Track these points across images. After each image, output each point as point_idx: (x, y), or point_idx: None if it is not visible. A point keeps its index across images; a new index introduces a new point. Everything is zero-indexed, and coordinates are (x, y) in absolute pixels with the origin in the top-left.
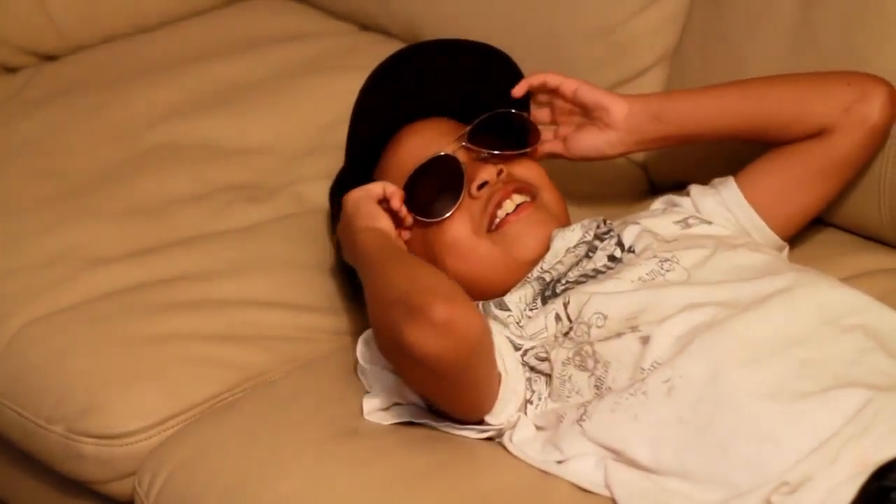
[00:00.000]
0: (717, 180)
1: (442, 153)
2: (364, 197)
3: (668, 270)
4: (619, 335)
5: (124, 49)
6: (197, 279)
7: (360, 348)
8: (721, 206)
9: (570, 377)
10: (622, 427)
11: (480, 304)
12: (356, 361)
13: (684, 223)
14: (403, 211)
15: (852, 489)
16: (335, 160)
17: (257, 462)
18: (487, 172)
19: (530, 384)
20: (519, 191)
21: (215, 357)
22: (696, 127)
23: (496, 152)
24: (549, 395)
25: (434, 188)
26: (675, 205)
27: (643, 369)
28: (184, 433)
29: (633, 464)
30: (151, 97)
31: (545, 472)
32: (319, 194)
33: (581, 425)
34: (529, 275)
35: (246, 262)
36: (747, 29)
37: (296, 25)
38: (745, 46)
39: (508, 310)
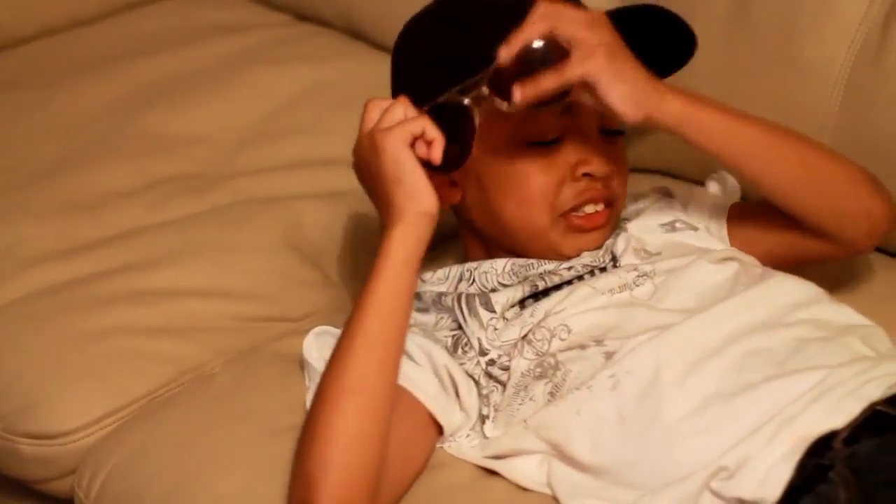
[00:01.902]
0: (716, 194)
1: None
2: (398, 134)
3: (638, 286)
4: (582, 347)
5: (61, 42)
6: (134, 272)
7: (308, 341)
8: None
9: (526, 386)
10: (565, 421)
11: (465, 299)
12: (299, 353)
13: (671, 226)
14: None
15: (789, 466)
16: (274, 150)
17: (196, 460)
18: (601, 164)
19: (488, 400)
20: (607, 201)
21: (153, 351)
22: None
23: (615, 132)
24: (500, 402)
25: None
26: (668, 195)
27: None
28: (122, 430)
29: (574, 459)
30: (89, 91)
31: (485, 471)
32: (259, 184)
33: (525, 420)
34: (527, 272)
35: (185, 253)
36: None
37: (233, 17)
38: None
39: (494, 311)
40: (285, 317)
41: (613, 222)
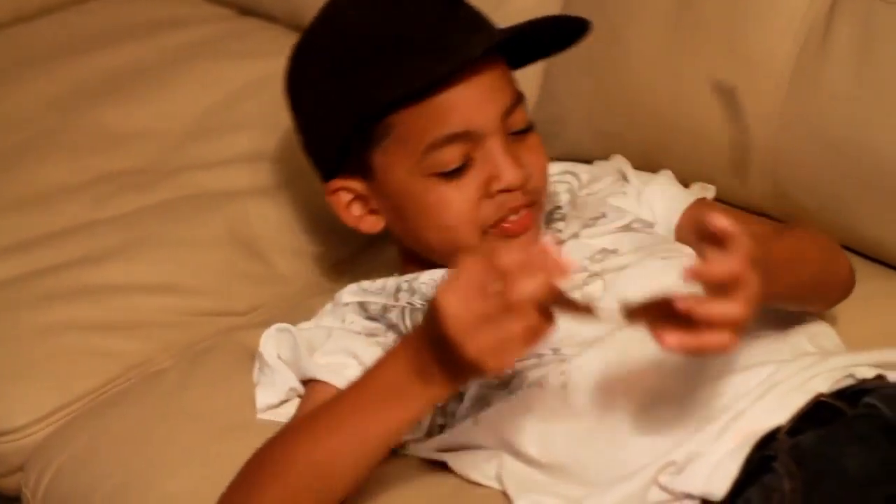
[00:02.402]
0: (675, 188)
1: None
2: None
3: (587, 285)
4: (539, 356)
5: (4, 39)
6: (80, 268)
7: (266, 336)
8: (660, 206)
9: (484, 396)
10: (515, 418)
11: (409, 314)
12: (246, 348)
13: (627, 227)
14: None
15: (737, 461)
16: (219, 144)
17: (144, 459)
18: (514, 175)
19: (443, 410)
20: (529, 205)
21: (100, 347)
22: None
23: (523, 129)
24: (458, 412)
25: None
26: (624, 178)
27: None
28: (70, 427)
29: (524, 455)
30: (32, 87)
31: (434, 465)
32: (204, 179)
33: (475, 418)
34: None
35: (131, 248)
36: (627, 6)
37: (176, 12)
38: (628, 28)
39: None
40: (232, 311)
41: (542, 215)
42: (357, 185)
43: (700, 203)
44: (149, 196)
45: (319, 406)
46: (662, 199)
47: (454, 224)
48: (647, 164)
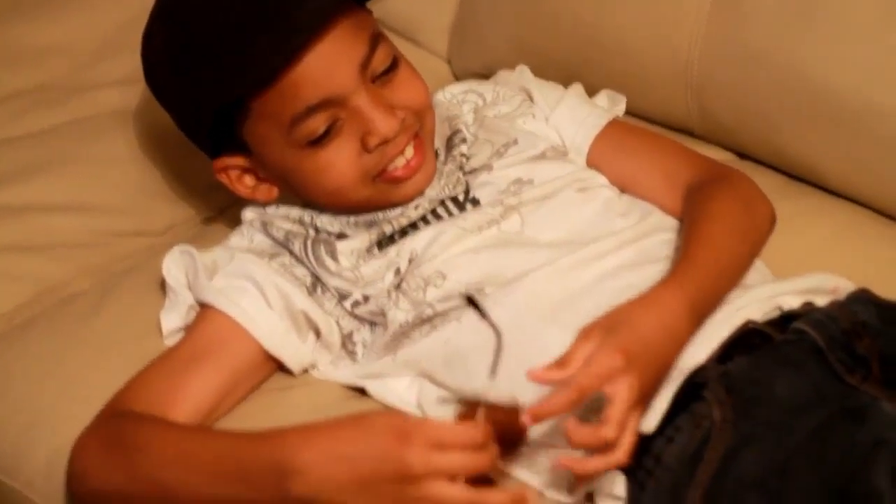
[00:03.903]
0: (585, 109)
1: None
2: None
3: (505, 219)
4: (461, 296)
5: None
6: None
7: (168, 261)
8: (570, 131)
9: (406, 333)
10: (434, 352)
11: (311, 247)
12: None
13: (541, 156)
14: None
15: (666, 400)
16: (133, 61)
17: (57, 390)
18: (388, 126)
19: (351, 337)
20: (413, 137)
21: (12, 269)
22: None
23: (388, 68)
24: (373, 343)
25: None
26: (530, 98)
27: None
28: None
29: (445, 386)
30: None
31: (353, 392)
32: (118, 96)
33: (394, 355)
34: (373, 219)
35: (43, 166)
36: None
37: None
38: None
39: (338, 261)
40: (147, 231)
41: (431, 145)
42: (240, 160)
43: (612, 127)
44: (62, 113)
45: (203, 433)
46: (572, 124)
47: (338, 187)
48: (570, 77)
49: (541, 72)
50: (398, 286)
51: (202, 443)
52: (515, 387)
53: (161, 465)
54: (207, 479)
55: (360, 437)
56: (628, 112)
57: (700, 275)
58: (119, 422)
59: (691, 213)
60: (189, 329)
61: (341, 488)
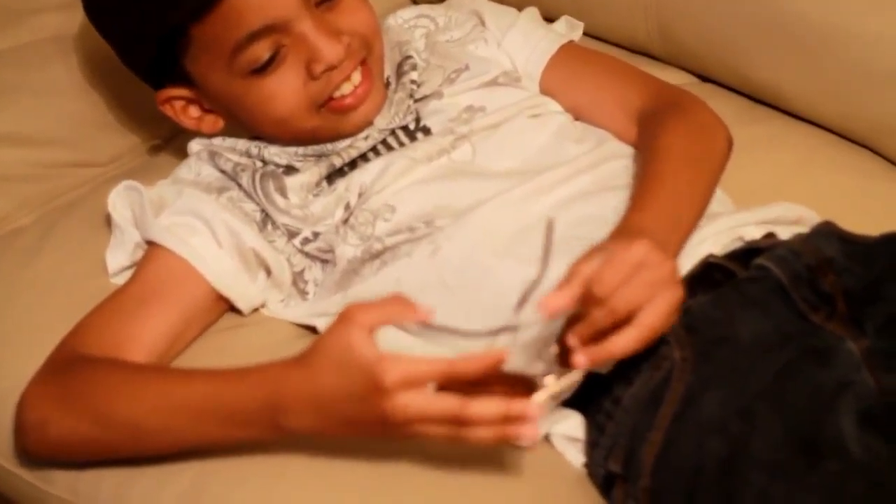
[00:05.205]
0: (538, 34)
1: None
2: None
3: (455, 148)
4: (411, 229)
5: None
6: None
7: (114, 196)
8: (522, 56)
9: (355, 270)
10: (384, 290)
11: (259, 180)
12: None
13: (493, 82)
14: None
15: None
16: None
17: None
18: (333, 51)
19: (302, 275)
20: (360, 63)
21: None
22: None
23: None
24: (323, 280)
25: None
26: (482, 22)
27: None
28: None
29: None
30: None
31: (305, 329)
32: (63, 21)
33: (345, 293)
34: (322, 150)
35: None
36: None
37: None
38: None
39: (287, 198)
40: (92, 162)
41: (380, 72)
42: (184, 91)
43: (565, 51)
44: (2, 39)
45: (179, 375)
46: (524, 49)
47: (284, 116)
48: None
49: None
50: (346, 221)
51: (183, 385)
52: (470, 321)
53: (137, 410)
54: (192, 422)
55: (339, 385)
56: (586, 33)
57: (660, 217)
58: (78, 366)
59: (644, 148)
60: (137, 268)
61: (330, 427)
